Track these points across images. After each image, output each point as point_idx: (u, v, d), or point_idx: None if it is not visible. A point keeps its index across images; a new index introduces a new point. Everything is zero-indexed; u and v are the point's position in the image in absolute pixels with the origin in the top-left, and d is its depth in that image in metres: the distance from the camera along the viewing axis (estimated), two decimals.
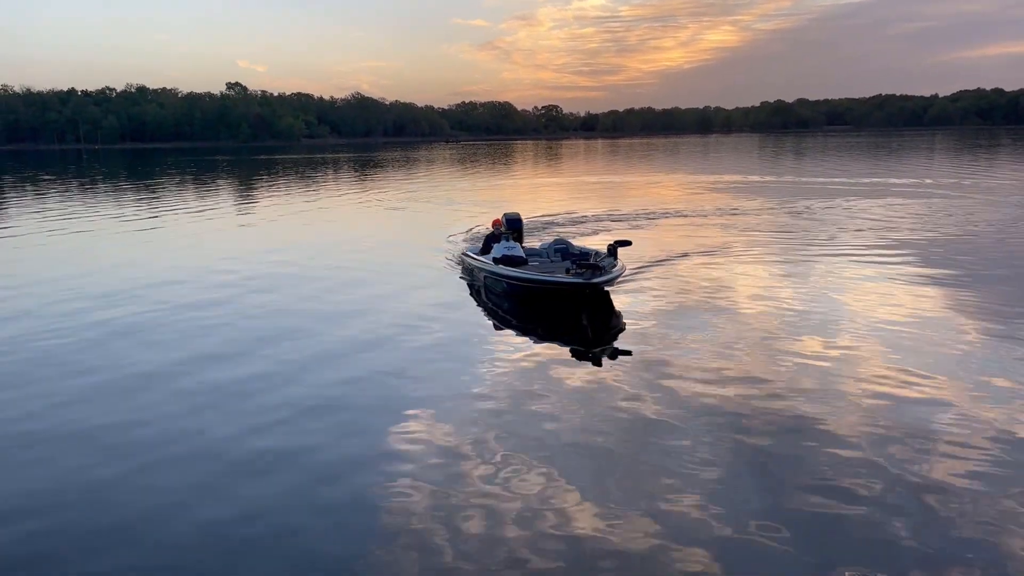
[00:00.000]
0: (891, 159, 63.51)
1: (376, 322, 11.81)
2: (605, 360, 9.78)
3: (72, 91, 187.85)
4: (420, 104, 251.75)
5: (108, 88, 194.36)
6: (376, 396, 8.63)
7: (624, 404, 8.15)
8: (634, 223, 24.00)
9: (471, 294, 13.89)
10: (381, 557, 5.44)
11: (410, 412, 8.04)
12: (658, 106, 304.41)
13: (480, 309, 12.86)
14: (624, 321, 11.59)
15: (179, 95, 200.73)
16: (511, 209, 20.49)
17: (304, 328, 11.49)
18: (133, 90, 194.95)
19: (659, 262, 16.36)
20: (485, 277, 13.99)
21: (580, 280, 11.76)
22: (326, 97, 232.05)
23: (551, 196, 35.89)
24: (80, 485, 6.58)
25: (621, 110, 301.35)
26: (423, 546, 5.55)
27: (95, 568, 5.40)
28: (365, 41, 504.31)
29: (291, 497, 6.31)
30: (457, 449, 7.12)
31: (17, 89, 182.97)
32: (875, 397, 8.22)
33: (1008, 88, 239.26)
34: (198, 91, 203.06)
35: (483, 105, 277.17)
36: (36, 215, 28.79)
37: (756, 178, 44.64)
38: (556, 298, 12.27)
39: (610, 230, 22.52)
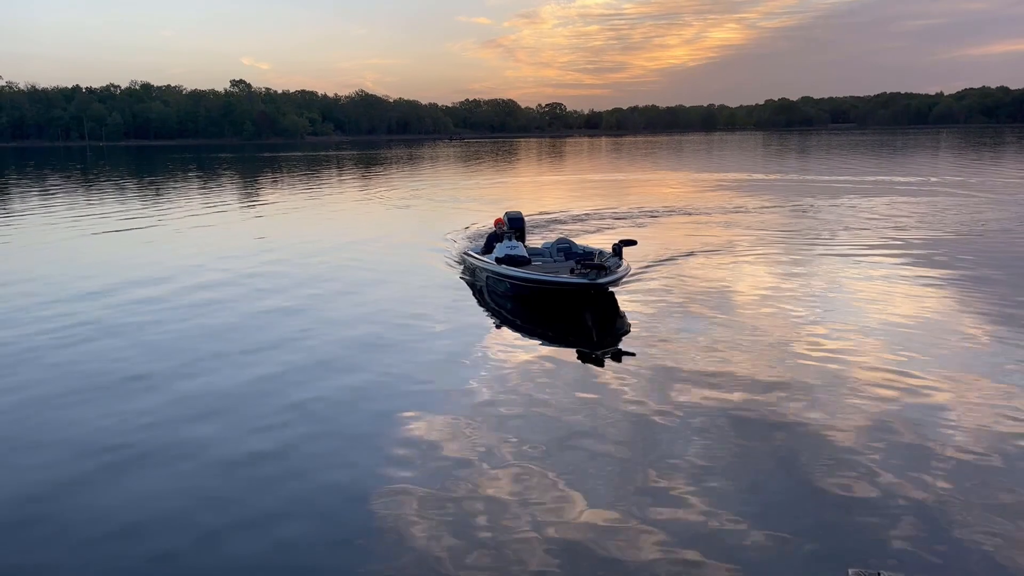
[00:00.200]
0: (896, 157, 63.32)
1: (377, 323, 11.72)
2: (610, 362, 9.68)
3: (77, 88, 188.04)
4: (424, 102, 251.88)
5: (113, 85, 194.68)
6: (378, 397, 8.54)
7: (629, 406, 8.05)
8: (638, 221, 23.91)
9: (473, 294, 13.79)
10: (382, 558, 5.39)
11: (412, 413, 7.96)
12: (662, 104, 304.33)
13: (482, 309, 12.76)
14: (629, 322, 11.49)
15: (183, 92, 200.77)
16: (513, 207, 20.41)
17: (305, 327, 11.40)
18: (137, 87, 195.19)
19: (663, 261, 16.26)
20: (487, 277, 13.86)
21: (585, 280, 11.63)
22: (330, 95, 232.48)
23: (554, 194, 35.80)
24: (72, 490, 6.50)
25: (625, 108, 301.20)
26: (424, 547, 5.49)
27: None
28: (369, 39, 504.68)
29: (292, 496, 6.27)
30: (460, 450, 7.04)
31: (22, 86, 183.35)
32: (881, 398, 8.14)
33: (1013, 86, 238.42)
34: (202, 88, 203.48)
35: (487, 103, 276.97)
36: (39, 213, 28.75)
37: (760, 176, 44.52)
38: (560, 299, 12.16)
39: (614, 228, 22.43)
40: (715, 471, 6.56)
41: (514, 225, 16.09)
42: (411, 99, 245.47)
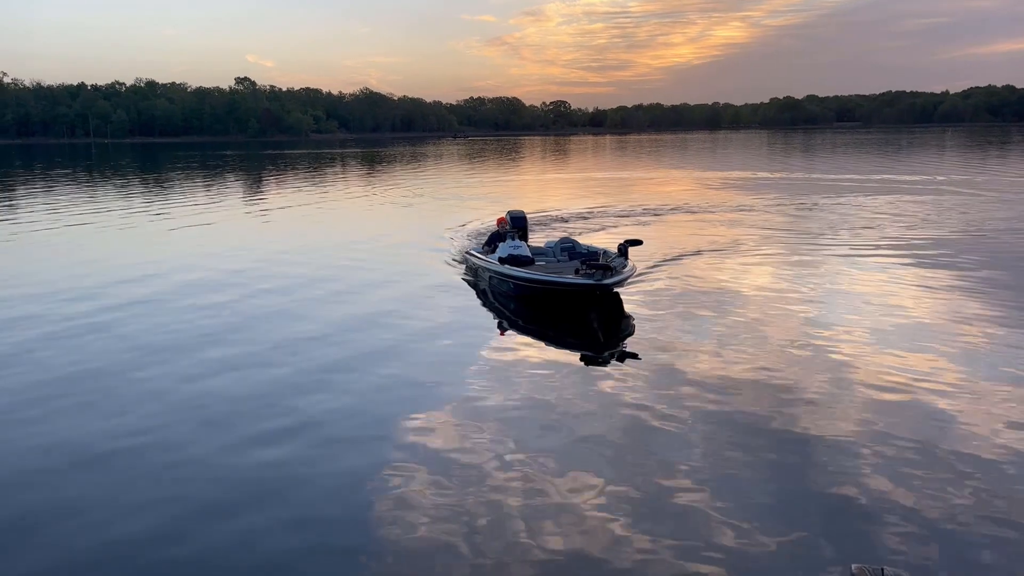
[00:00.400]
0: (901, 156, 63.14)
1: (378, 323, 11.67)
2: (615, 363, 9.61)
3: (82, 85, 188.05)
4: (428, 99, 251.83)
5: (118, 82, 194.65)
6: (380, 397, 8.49)
7: (634, 408, 7.99)
8: (642, 220, 23.85)
9: (476, 294, 13.72)
10: (389, 557, 5.38)
11: (415, 415, 7.91)
12: (667, 102, 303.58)
13: (485, 310, 12.70)
14: (634, 323, 11.42)
15: (188, 90, 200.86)
16: (516, 206, 20.32)
17: (306, 327, 11.36)
18: (142, 84, 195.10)
19: (668, 261, 16.19)
20: (490, 277, 13.77)
21: (591, 281, 11.54)
22: (335, 92, 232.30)
23: (558, 192, 35.72)
24: (68, 495, 6.47)
25: (630, 106, 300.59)
26: (429, 545, 5.49)
27: None
28: (373, 36, 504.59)
29: (295, 495, 6.25)
30: (464, 452, 7.00)
31: (27, 83, 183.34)
32: (886, 397, 8.11)
33: (1019, 85, 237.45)
34: (207, 86, 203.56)
35: (491, 100, 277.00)
36: (43, 210, 28.74)
37: (766, 174, 44.41)
38: (565, 299, 12.08)
39: (618, 227, 22.37)
40: (719, 471, 6.52)
41: (517, 224, 15.91)
42: (415, 97, 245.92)
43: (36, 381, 9.18)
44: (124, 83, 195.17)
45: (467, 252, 15.84)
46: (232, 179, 48.67)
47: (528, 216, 17.28)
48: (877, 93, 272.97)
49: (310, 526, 5.81)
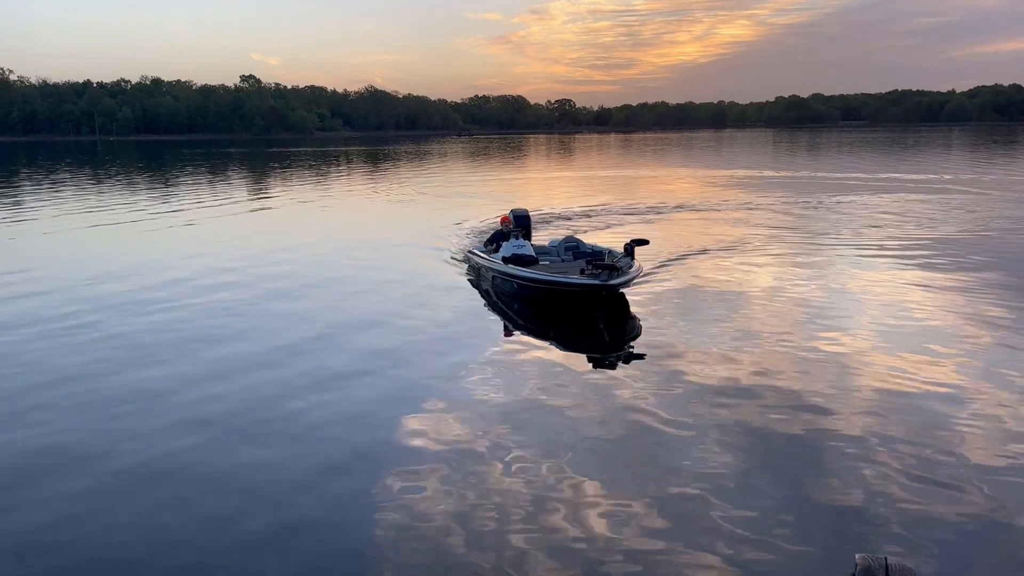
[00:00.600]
0: (908, 155, 62.93)
1: (380, 324, 11.57)
2: (621, 365, 9.50)
3: (87, 83, 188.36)
4: (433, 98, 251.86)
5: (123, 80, 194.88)
6: (382, 398, 8.40)
7: (640, 409, 7.88)
8: (647, 218, 23.74)
9: (479, 294, 13.62)
10: (390, 552, 5.38)
11: (419, 416, 7.82)
12: (672, 100, 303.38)
13: (488, 310, 12.59)
14: (640, 324, 11.30)
15: (193, 87, 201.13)
16: (520, 204, 20.22)
17: (308, 327, 11.28)
18: (148, 82, 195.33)
19: (674, 260, 16.08)
20: (493, 277, 13.64)
21: (597, 282, 11.41)
22: (339, 90, 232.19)
23: (562, 190, 35.62)
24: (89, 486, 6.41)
25: (635, 104, 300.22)
26: (432, 542, 5.48)
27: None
28: (378, 34, 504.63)
29: (298, 494, 6.23)
30: (466, 452, 6.92)
31: (33, 81, 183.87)
32: (895, 399, 8.03)
33: None
34: (212, 84, 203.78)
35: (496, 99, 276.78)
36: (46, 207, 28.73)
37: (771, 173, 44.27)
38: (569, 300, 11.97)
39: (622, 224, 22.29)
40: (726, 472, 6.44)
41: (520, 223, 15.76)
42: (420, 95, 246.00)
43: (37, 380, 9.11)
44: (129, 81, 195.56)
45: (469, 251, 15.70)
46: (237, 177, 48.67)
47: (531, 214, 17.16)
48: (883, 92, 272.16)
49: (310, 527, 5.73)
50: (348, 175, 49.78)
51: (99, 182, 43.25)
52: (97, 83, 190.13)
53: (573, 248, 14.76)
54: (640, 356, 9.76)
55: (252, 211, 28.50)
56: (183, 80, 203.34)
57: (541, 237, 17.38)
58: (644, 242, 13.57)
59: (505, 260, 13.36)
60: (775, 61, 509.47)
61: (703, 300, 12.63)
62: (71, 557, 5.48)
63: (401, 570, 5.24)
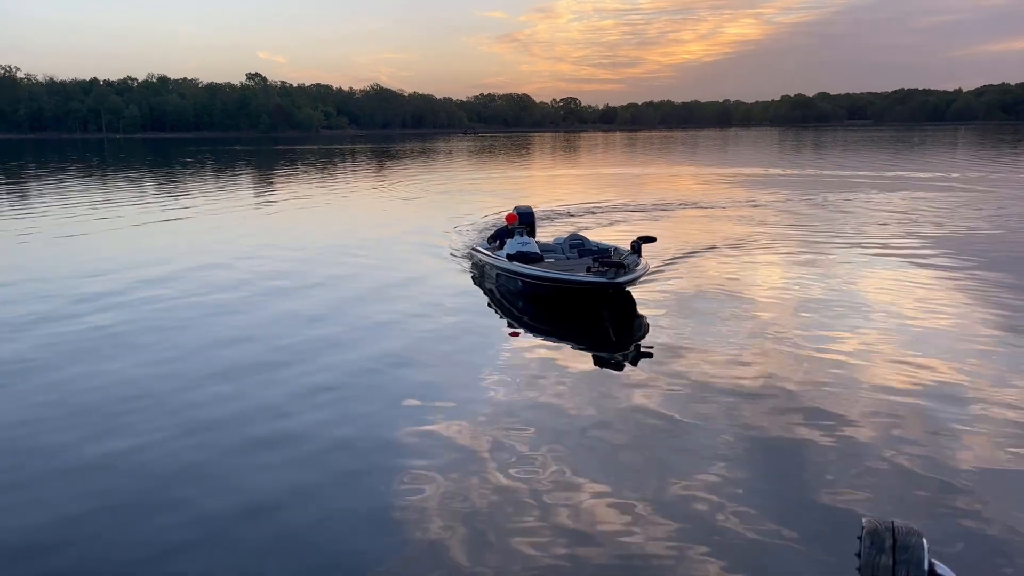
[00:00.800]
0: (914, 153, 62.69)
1: (383, 323, 11.53)
2: (628, 364, 9.44)
3: (94, 80, 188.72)
4: (439, 96, 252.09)
5: (130, 78, 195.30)
6: (387, 397, 8.35)
7: (647, 409, 7.83)
8: (652, 216, 23.67)
9: (483, 292, 13.56)
10: (395, 552, 5.35)
11: (421, 416, 7.76)
12: (677, 99, 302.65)
13: (492, 308, 12.54)
14: (647, 322, 11.24)
15: (200, 85, 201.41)
16: (525, 201, 20.19)
17: (310, 326, 11.24)
18: (154, 80, 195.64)
19: (680, 258, 16.01)
20: (498, 274, 13.58)
21: (604, 280, 11.33)
22: (345, 88, 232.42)
23: (567, 187, 35.54)
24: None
25: (640, 103, 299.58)
26: (437, 541, 5.44)
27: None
28: (384, 33, 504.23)
29: (303, 492, 6.20)
30: (471, 449, 6.88)
31: (40, 78, 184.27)
32: (904, 399, 7.98)
33: None
34: (218, 82, 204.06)
35: (501, 97, 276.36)
36: (58, 205, 28.78)
37: (777, 171, 44.12)
38: (575, 298, 11.92)
39: (627, 221, 22.24)
40: (733, 474, 6.38)
41: (524, 220, 15.61)
42: (425, 93, 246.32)
43: (33, 384, 9.10)
44: (136, 78, 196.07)
45: (473, 248, 15.62)
46: (244, 175, 48.69)
47: (534, 211, 17.10)
48: (889, 91, 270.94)
49: (313, 528, 5.70)
50: (354, 173, 49.77)
51: (107, 179, 43.29)
52: (104, 81, 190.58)
53: (578, 245, 14.66)
54: (647, 355, 9.70)
55: (258, 209, 28.51)
56: (189, 78, 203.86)
57: (545, 234, 17.33)
58: (651, 239, 13.46)
59: (510, 257, 13.25)
60: (781, 60, 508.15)
61: (710, 298, 12.57)
62: (68, 563, 5.45)
63: (406, 571, 5.21)
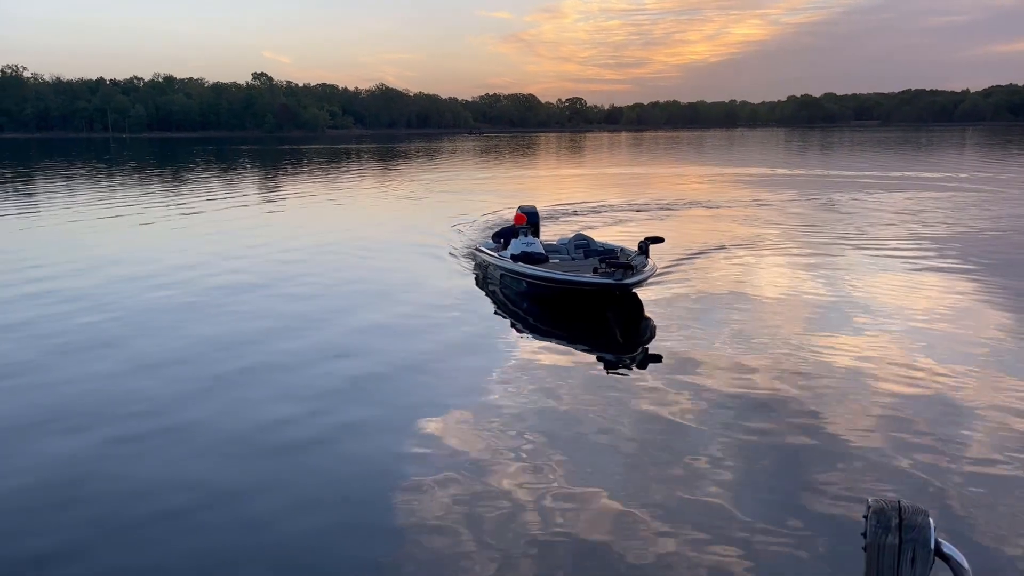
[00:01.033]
0: (921, 154, 62.48)
1: (386, 324, 11.37)
2: (636, 366, 9.27)
3: (101, 80, 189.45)
4: (444, 96, 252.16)
5: (136, 78, 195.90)
6: (391, 401, 8.20)
7: (655, 412, 7.66)
8: (657, 215, 23.50)
9: (486, 293, 13.36)
10: (399, 558, 5.28)
11: (425, 418, 7.60)
12: (683, 100, 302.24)
13: (496, 309, 12.33)
14: (654, 324, 11.04)
15: (205, 85, 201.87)
16: (529, 201, 19.99)
17: (312, 327, 11.10)
18: (160, 80, 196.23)
19: (687, 259, 15.82)
20: (502, 275, 13.38)
21: (611, 281, 11.14)
22: (350, 88, 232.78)
23: (572, 187, 35.39)
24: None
25: (646, 103, 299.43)
26: (440, 546, 5.38)
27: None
28: (389, 33, 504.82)
29: (305, 495, 6.13)
30: (475, 453, 6.75)
31: (47, 78, 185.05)
32: (913, 402, 7.86)
33: None
34: (224, 81, 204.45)
35: (507, 97, 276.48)
36: (62, 205, 28.72)
37: (784, 171, 43.93)
38: (581, 299, 11.71)
39: (633, 221, 22.07)
40: (739, 476, 6.26)
41: (528, 220, 15.31)
42: (431, 93, 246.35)
43: (32, 391, 8.96)
44: (142, 78, 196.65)
45: (477, 248, 15.42)
46: (249, 174, 48.65)
47: (538, 210, 16.88)
48: (896, 91, 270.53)
49: (319, 530, 5.60)
50: (359, 172, 49.68)
51: (115, 178, 43.27)
52: (110, 80, 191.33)
53: (583, 246, 14.43)
54: (655, 358, 9.50)
55: (263, 209, 28.39)
56: (195, 78, 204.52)
57: (549, 234, 17.14)
58: (659, 240, 13.23)
59: (514, 258, 13.07)
60: (787, 60, 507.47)
61: (717, 300, 12.37)
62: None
63: (408, 569, 5.15)
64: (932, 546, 2.81)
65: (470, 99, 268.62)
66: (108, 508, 5.98)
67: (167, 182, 40.71)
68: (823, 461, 6.63)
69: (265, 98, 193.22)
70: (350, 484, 6.34)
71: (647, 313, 11.62)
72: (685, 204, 26.71)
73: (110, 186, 37.70)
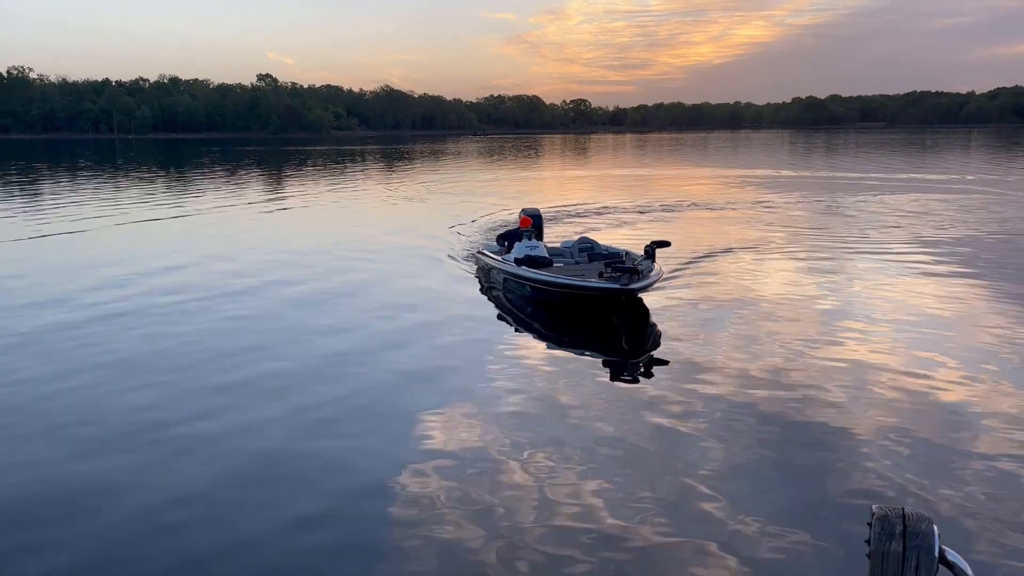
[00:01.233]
0: (927, 156, 62.29)
1: (388, 327, 11.32)
2: (642, 372, 9.22)
3: (106, 81, 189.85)
4: (448, 97, 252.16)
5: (141, 79, 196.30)
6: (393, 404, 8.16)
7: (661, 420, 7.61)
8: (662, 218, 23.43)
9: (489, 297, 13.28)
10: (402, 552, 5.32)
11: (430, 421, 7.58)
12: (688, 101, 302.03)
13: (500, 313, 12.26)
14: (660, 329, 10.98)
15: (211, 86, 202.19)
16: (533, 203, 19.94)
17: (313, 330, 11.06)
18: (166, 81, 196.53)
19: (692, 262, 15.75)
20: (505, 279, 13.28)
21: (617, 285, 11.06)
22: (355, 89, 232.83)
23: (576, 188, 35.33)
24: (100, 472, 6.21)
25: (650, 105, 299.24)
26: (443, 550, 5.37)
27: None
28: (394, 34, 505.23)
29: (308, 492, 6.17)
30: (479, 458, 6.73)
31: (53, 79, 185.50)
32: (917, 401, 7.89)
33: None
34: (229, 82, 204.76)
35: (511, 99, 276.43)
36: (69, 205, 28.75)
37: (789, 173, 43.82)
38: (586, 304, 11.64)
39: (637, 223, 22.00)
40: (743, 480, 6.26)
41: (532, 223, 15.38)
42: (435, 94, 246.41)
43: (31, 405, 8.92)
44: (148, 79, 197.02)
45: (479, 251, 15.30)
46: (255, 175, 48.65)
47: (542, 213, 16.80)
48: (901, 93, 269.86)
49: (322, 526, 5.64)
50: (364, 174, 49.66)
51: (120, 180, 43.32)
52: (116, 82, 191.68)
53: (588, 249, 14.32)
54: (661, 363, 9.45)
55: (267, 210, 28.36)
56: (201, 79, 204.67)
57: (553, 237, 17.06)
58: (666, 243, 13.14)
59: (517, 261, 12.97)
60: (792, 62, 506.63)
61: (724, 304, 12.30)
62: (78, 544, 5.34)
63: (412, 569, 5.15)
64: (936, 553, 2.77)
65: (474, 100, 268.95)
66: (103, 520, 5.93)
67: (172, 184, 40.72)
68: (827, 467, 6.60)
69: (270, 99, 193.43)
70: (351, 492, 6.29)
71: (653, 318, 11.55)
72: (689, 206, 26.64)
73: (120, 188, 37.74)
